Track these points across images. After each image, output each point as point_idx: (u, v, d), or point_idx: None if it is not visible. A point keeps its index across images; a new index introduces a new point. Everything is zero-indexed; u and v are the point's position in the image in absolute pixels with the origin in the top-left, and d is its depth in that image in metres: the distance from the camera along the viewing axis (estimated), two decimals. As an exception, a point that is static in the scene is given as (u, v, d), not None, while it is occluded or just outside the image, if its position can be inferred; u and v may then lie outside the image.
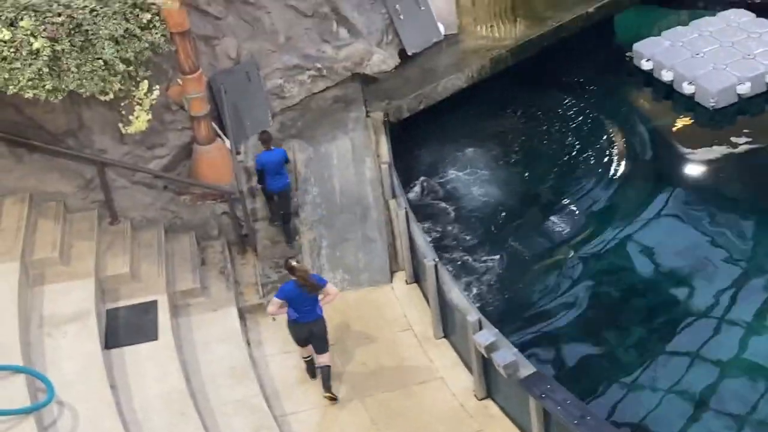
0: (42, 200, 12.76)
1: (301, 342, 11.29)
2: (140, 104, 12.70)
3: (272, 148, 13.37)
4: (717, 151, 15.41)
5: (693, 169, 15.30)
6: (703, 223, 13.89)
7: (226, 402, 10.88)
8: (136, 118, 12.75)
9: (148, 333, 11.37)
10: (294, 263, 10.96)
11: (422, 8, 17.50)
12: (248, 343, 11.96)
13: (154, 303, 11.83)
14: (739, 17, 18.05)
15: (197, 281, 12.51)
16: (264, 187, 13.56)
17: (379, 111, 15.43)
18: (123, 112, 12.87)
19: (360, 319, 12.35)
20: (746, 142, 15.47)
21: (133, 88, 12.70)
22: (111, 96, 12.38)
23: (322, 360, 11.31)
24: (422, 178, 15.42)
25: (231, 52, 14.75)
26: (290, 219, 13.58)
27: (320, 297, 11.04)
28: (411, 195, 14.53)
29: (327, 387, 11.21)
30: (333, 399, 11.15)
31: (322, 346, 11.28)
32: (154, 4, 12.64)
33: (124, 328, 11.49)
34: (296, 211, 13.74)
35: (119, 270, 12.21)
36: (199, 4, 14.17)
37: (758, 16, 18.04)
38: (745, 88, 16.10)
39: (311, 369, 11.51)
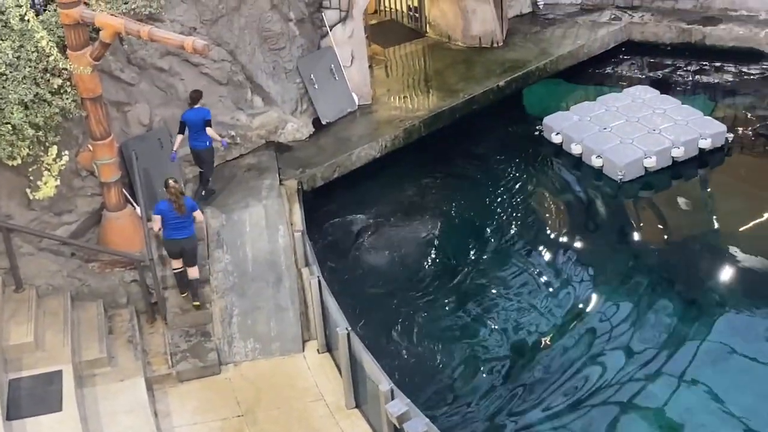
0: (-57, 267, 12.43)
1: (174, 255, 13.08)
2: (49, 170, 12.51)
3: (197, 106, 14.32)
4: (623, 223, 15.76)
5: (598, 239, 15.56)
6: (606, 290, 14.15)
7: (131, 475, 10.61)
8: (45, 183, 12.54)
9: (52, 404, 11.03)
10: (171, 182, 12.71)
11: (337, 78, 17.72)
12: (155, 414, 11.67)
13: (58, 373, 11.51)
14: (644, 93, 18.68)
15: (104, 351, 12.24)
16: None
17: (293, 179, 15.48)
18: (31, 178, 12.67)
19: (271, 389, 12.19)
20: (652, 214, 15.87)
21: (42, 154, 12.55)
22: (19, 161, 12.19)
23: (192, 273, 13.13)
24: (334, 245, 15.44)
25: (143, 119, 14.66)
26: (207, 181, 14.81)
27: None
28: (322, 263, 14.50)
29: (195, 296, 13.13)
30: (199, 307, 13.07)
31: (192, 261, 13.10)
32: (65, 69, 12.54)
33: (26, 398, 11.13)
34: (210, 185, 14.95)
35: (23, 339, 11.88)
36: (111, 70, 14.09)
37: (662, 92, 18.70)
38: (651, 162, 16.56)
39: (182, 282, 13.20)
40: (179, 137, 14.37)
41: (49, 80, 12.60)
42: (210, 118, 14.40)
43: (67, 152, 12.80)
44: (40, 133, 12.46)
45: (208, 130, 14.33)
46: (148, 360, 12.55)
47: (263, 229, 14.18)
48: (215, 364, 12.56)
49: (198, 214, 13.12)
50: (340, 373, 11.96)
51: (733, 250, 14.65)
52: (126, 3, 13.99)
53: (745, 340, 12.81)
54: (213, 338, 12.90)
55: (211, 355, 12.63)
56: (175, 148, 14.31)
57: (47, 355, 11.82)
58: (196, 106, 14.39)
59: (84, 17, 12.30)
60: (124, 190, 13.84)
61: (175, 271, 13.23)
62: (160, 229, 12.94)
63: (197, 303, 13.14)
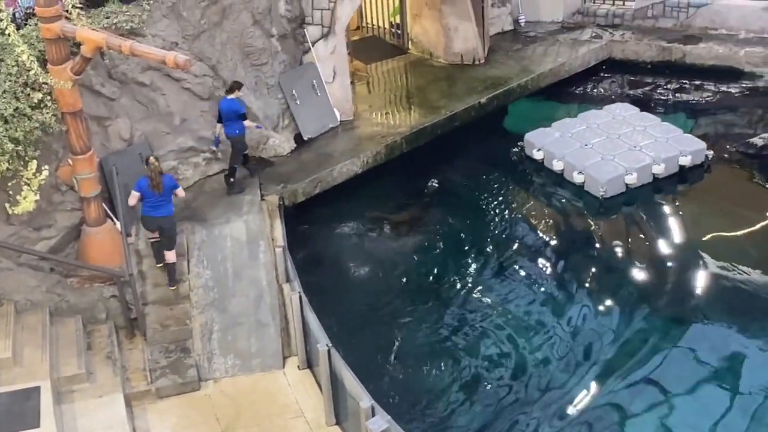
0: None
1: (151, 230, 13.38)
2: (28, 184, 12.43)
3: (232, 97, 15.10)
4: (604, 239, 15.80)
5: (579, 255, 15.59)
6: (586, 306, 14.17)
7: (109, 493, 10.53)
8: (24, 198, 12.45)
9: (30, 420, 10.90)
10: (151, 159, 13.00)
11: (319, 94, 17.74)
12: (134, 431, 11.59)
13: (36, 389, 11.39)
14: (625, 111, 18.79)
15: (82, 366, 12.14)
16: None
17: (274, 194, 15.45)
18: (10, 192, 12.59)
19: (251, 405, 12.12)
20: (633, 230, 15.93)
21: (22, 168, 12.48)
22: (-2, 175, 12.13)
23: (169, 257, 13.34)
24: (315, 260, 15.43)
25: (124, 133, 14.62)
26: (235, 168, 15.51)
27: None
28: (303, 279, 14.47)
29: (171, 281, 13.38)
30: (175, 291, 13.34)
31: (169, 244, 13.30)
32: (46, 83, 12.49)
33: (4, 415, 11.00)
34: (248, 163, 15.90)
35: (0, 354, 11.77)
36: (92, 85, 14.06)
37: (642, 110, 18.82)
38: (632, 179, 16.63)
39: (158, 253, 13.48)
40: (218, 126, 15.40)
41: (29, 94, 12.56)
42: (243, 112, 15.26)
43: (46, 167, 12.74)
44: (20, 147, 12.40)
45: (246, 123, 15.35)
46: (127, 376, 12.46)
47: (244, 244, 14.14)
48: (195, 381, 12.49)
49: (179, 191, 13.39)
50: (321, 389, 11.91)
51: (713, 266, 14.71)
52: (107, 18, 14.01)
53: (724, 356, 12.85)
54: (193, 354, 12.82)
55: (191, 372, 12.56)
56: (216, 135, 15.51)
57: (25, 371, 11.72)
58: (230, 96, 15.15)
59: (65, 32, 12.27)
60: (104, 204, 13.78)
61: (151, 240, 13.54)
62: (134, 206, 13.34)
63: (173, 287, 13.41)
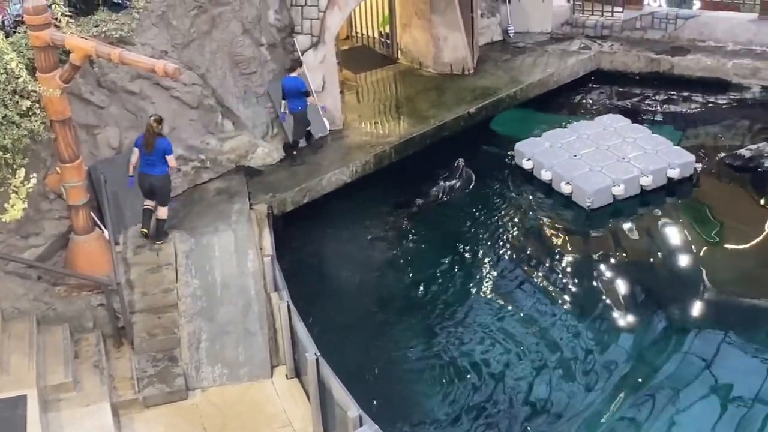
0: None
1: (146, 193, 14.05)
2: (16, 192, 12.34)
3: (293, 75, 16.61)
4: (590, 250, 15.83)
5: (565, 266, 15.60)
6: (572, 317, 14.20)
7: (95, 502, 10.48)
8: (12, 206, 12.37)
9: (16, 429, 10.84)
10: (151, 120, 13.71)
11: (308, 103, 17.72)
12: (121, 440, 11.58)
13: (23, 398, 11.32)
14: (615, 122, 18.85)
15: (69, 375, 12.08)
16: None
17: (263, 204, 15.44)
18: (-3, 200, 12.54)
19: (239, 415, 12.10)
20: (619, 242, 15.96)
21: (9, 176, 12.41)
22: (-15, 183, 12.08)
23: (160, 213, 14.12)
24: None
25: (113, 142, 14.59)
26: (297, 141, 17.02)
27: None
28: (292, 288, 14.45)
29: (157, 236, 14.11)
30: (160, 248, 13.99)
31: (162, 200, 14.11)
32: (34, 91, 12.46)
33: (-10, 424, 10.99)
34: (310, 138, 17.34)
35: (-13, 363, 11.73)
36: (81, 93, 14.03)
37: (633, 121, 18.89)
38: (619, 190, 16.67)
39: (145, 218, 14.12)
40: (283, 102, 16.68)
41: (17, 102, 12.51)
42: (305, 89, 16.70)
43: (35, 175, 12.67)
44: (8, 155, 12.35)
45: (309, 99, 16.83)
46: (114, 385, 12.41)
47: (232, 253, 14.12)
48: (182, 390, 12.45)
49: (170, 159, 13.89)
50: (309, 398, 11.89)
51: (700, 278, 14.75)
52: (97, 26, 13.99)
53: (712, 367, 12.89)
54: (180, 363, 12.79)
55: (178, 381, 12.52)
56: (282, 111, 16.84)
57: (12, 379, 11.65)
58: (292, 75, 16.64)
59: (54, 39, 12.25)
60: (92, 213, 13.74)
61: (145, 207, 14.21)
62: (134, 164, 13.96)
63: (159, 243, 14.09)
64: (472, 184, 17.88)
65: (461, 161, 18.00)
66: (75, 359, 12.54)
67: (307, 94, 16.77)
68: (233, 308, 13.39)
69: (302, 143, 17.27)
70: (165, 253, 14.01)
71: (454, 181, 17.78)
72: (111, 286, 12.92)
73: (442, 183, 17.69)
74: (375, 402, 12.51)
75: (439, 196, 17.53)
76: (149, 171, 13.89)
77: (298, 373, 12.72)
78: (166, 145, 13.86)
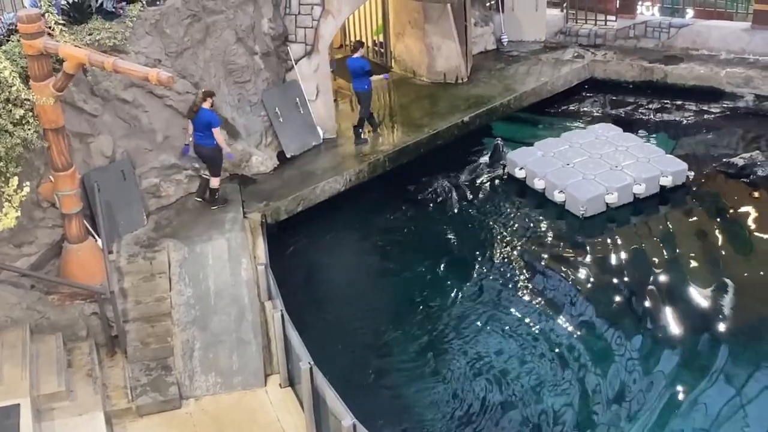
0: None
1: (201, 158, 15.39)
2: (9, 201, 12.34)
3: (356, 56, 17.93)
4: (584, 258, 15.84)
5: (559, 275, 15.59)
6: (566, 327, 14.19)
7: None
8: (5, 214, 12.36)
9: (9, 439, 10.86)
10: (200, 92, 15.00)
11: (302, 112, 17.76)
12: (114, 450, 11.55)
13: (16, 407, 11.30)
14: (607, 131, 18.89)
15: (63, 384, 12.05)
16: None
17: (256, 212, 15.45)
18: (-9, 209, 12.51)
19: (232, 424, 12.07)
20: (613, 250, 15.98)
21: (3, 185, 12.40)
22: (-22, 192, 12.05)
23: (211, 182, 15.40)
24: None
25: (106, 150, 14.58)
26: (362, 121, 18.24)
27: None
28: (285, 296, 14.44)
29: (211, 202, 15.48)
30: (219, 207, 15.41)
31: (212, 171, 15.35)
32: (28, 100, 12.46)
33: (-18, 433, 10.96)
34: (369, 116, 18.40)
35: (-20, 372, 11.70)
36: (74, 101, 14.03)
37: (624, 130, 18.93)
38: (613, 198, 16.70)
39: (200, 189, 15.59)
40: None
41: (11, 111, 12.51)
42: (369, 69, 18.03)
43: (28, 183, 12.66)
44: (1, 163, 12.33)
45: (372, 78, 18.18)
46: (107, 394, 12.38)
47: (226, 262, 14.11)
48: (176, 399, 12.42)
49: (215, 132, 14.94)
50: (303, 407, 11.86)
51: (693, 286, 14.76)
52: (90, 34, 13.98)
53: (706, 378, 12.89)
54: (174, 372, 12.76)
55: (172, 389, 12.50)
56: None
57: (5, 389, 11.62)
58: (355, 55, 17.97)
59: (48, 48, 12.25)
60: (85, 221, 13.73)
61: (201, 175, 15.56)
62: (189, 132, 15.25)
63: (214, 207, 15.36)
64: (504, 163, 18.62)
65: (499, 140, 18.99)
66: (68, 368, 12.51)
67: (370, 73, 18.01)
68: (227, 317, 13.37)
69: (362, 138, 18.22)
70: (158, 261, 14.00)
71: (491, 161, 18.85)
72: (104, 294, 12.90)
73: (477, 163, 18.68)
74: (369, 411, 12.50)
75: (473, 178, 18.34)
76: (198, 141, 15.11)
77: (291, 382, 12.70)
78: (208, 117, 14.90)
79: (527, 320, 14.37)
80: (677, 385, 12.82)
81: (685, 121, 20.32)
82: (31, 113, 12.67)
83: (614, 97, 21.51)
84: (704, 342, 13.59)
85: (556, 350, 13.63)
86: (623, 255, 15.80)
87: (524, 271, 15.62)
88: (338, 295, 15.29)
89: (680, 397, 12.61)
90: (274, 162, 17.11)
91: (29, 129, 12.66)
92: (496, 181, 18.33)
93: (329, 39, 18.20)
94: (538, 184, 17.46)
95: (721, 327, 13.88)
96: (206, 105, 14.93)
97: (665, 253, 15.74)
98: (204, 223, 14.99)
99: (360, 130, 18.18)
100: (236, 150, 16.31)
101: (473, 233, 16.73)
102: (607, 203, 16.75)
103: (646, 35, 22.40)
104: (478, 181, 18.31)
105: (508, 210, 17.50)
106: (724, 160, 18.24)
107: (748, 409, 12.32)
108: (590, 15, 23.17)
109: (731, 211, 16.90)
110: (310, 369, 11.35)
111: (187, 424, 12.09)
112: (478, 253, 16.19)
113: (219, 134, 15.06)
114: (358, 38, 22.74)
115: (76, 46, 12.48)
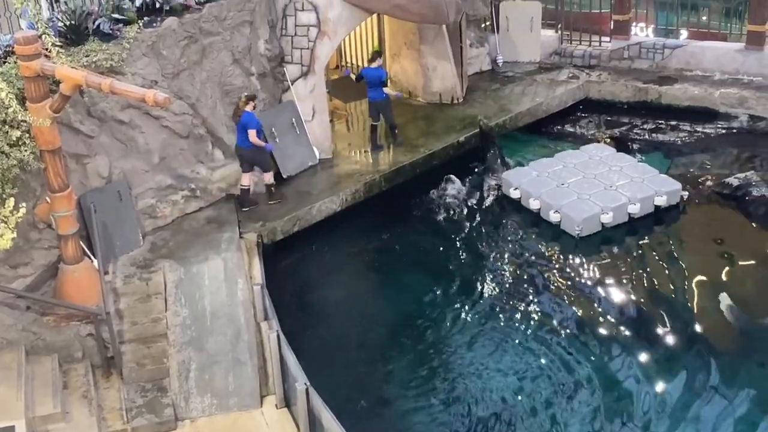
0: None
1: (243, 166, 16.12)
2: (5, 222, 12.33)
3: (374, 66, 18.38)
4: (579, 278, 15.85)
5: (554, 294, 15.60)
6: (562, 348, 14.18)
7: None
8: (1, 236, 12.36)
9: (4, 460, 10.83)
10: (243, 96, 15.85)
11: (298, 132, 17.80)
12: (110, 471, 11.51)
13: (11, 429, 11.25)
14: (601, 151, 18.96)
15: (58, 406, 12.01)
16: None
17: (252, 232, 15.45)
18: (-14, 230, 12.51)
19: (228, 445, 12.06)
20: (608, 269, 16.00)
21: (-1, 206, 12.40)
22: (-26, 213, 12.05)
23: (265, 178, 16.40)
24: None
25: (102, 171, 14.61)
26: (375, 128, 18.90)
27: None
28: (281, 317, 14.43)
29: (269, 198, 16.43)
30: (278, 201, 16.41)
31: (262, 168, 16.31)
32: (24, 121, 12.48)
33: (-23, 455, 10.92)
34: (390, 122, 18.99)
35: (-25, 394, 11.66)
36: (71, 122, 14.06)
37: (619, 150, 18.99)
38: (608, 218, 16.74)
39: (242, 198, 16.18)
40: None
41: (7, 132, 12.54)
42: (385, 78, 18.62)
43: (24, 204, 12.66)
44: (-3, 185, 12.37)
45: (386, 89, 18.66)
46: (103, 415, 12.35)
47: (222, 282, 14.10)
48: (171, 420, 12.39)
49: (250, 133, 15.65)
50: (299, 428, 11.85)
51: (687, 306, 14.78)
52: (87, 56, 14.04)
53: (702, 397, 12.90)
54: (170, 393, 12.74)
55: (168, 411, 12.47)
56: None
57: (0, 410, 11.58)
58: (373, 65, 18.41)
59: (44, 69, 12.29)
60: (81, 242, 13.73)
61: (241, 187, 16.15)
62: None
63: (271, 202, 16.34)
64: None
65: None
66: (64, 390, 12.48)
67: (385, 83, 18.63)
68: (223, 338, 13.36)
69: (379, 144, 18.89)
70: (154, 282, 14.00)
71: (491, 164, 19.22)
72: (100, 315, 12.88)
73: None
74: (365, 432, 12.52)
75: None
76: (239, 143, 15.94)
77: (287, 402, 12.68)
78: (246, 120, 15.67)
79: (524, 340, 14.36)
80: (673, 402, 12.82)
81: (679, 142, 20.39)
82: (27, 134, 12.70)
83: (609, 118, 21.56)
84: (700, 360, 13.60)
85: (552, 370, 13.62)
86: (619, 274, 15.81)
87: (521, 291, 15.62)
88: (334, 315, 15.27)
89: (678, 414, 12.60)
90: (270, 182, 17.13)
91: (26, 150, 12.69)
92: (492, 201, 18.35)
93: (325, 60, 18.27)
94: (533, 204, 17.49)
95: (718, 345, 13.89)
96: (249, 108, 15.77)
97: (661, 273, 15.76)
98: (200, 243, 15.00)
99: (394, 131, 18.97)
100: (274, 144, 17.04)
101: (469, 253, 16.74)
102: (602, 223, 16.78)
103: (641, 56, 22.50)
104: (474, 202, 18.33)
105: (504, 230, 17.51)
106: (719, 180, 18.30)
107: (743, 423, 12.34)
108: (585, 36, 23.27)
109: (726, 231, 16.93)
110: (306, 390, 11.35)
111: (182, 446, 12.08)
112: (474, 273, 16.19)
113: (254, 136, 15.69)
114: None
115: (72, 67, 12.53)
